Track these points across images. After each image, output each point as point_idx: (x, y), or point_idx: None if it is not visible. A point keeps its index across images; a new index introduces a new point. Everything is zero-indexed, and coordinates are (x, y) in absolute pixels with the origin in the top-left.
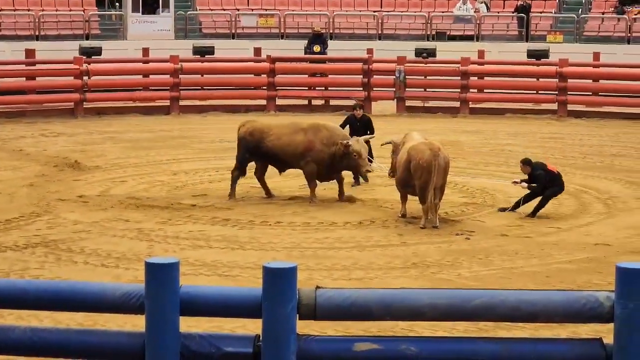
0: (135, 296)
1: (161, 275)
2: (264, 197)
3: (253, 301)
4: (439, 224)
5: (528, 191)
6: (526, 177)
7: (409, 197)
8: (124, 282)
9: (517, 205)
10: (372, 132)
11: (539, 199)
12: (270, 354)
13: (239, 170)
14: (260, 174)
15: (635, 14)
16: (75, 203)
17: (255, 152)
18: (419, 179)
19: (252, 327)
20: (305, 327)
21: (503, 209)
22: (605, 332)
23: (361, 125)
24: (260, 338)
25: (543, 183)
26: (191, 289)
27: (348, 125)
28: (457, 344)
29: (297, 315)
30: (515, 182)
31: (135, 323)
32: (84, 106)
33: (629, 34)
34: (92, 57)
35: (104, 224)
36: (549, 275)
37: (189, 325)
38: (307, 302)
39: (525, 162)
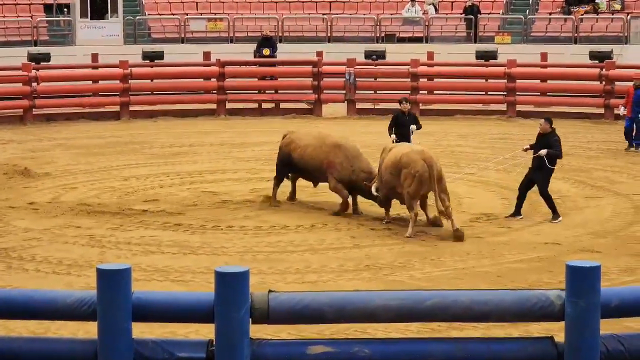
0: (87, 303)
1: (113, 282)
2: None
3: (205, 306)
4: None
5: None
6: (532, 142)
7: (361, 199)
8: (76, 289)
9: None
10: (418, 127)
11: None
12: (224, 358)
13: (278, 179)
14: (293, 177)
15: (582, 14)
16: (26, 210)
17: (288, 164)
18: (409, 186)
19: (205, 332)
20: (258, 331)
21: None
22: (557, 330)
23: (409, 120)
24: (214, 343)
25: (560, 148)
26: (143, 294)
27: (395, 125)
28: (410, 345)
29: (250, 319)
30: (526, 149)
31: (88, 330)
32: (33, 113)
33: (575, 34)
34: (41, 63)
35: (55, 231)
36: (501, 275)
37: (141, 331)
38: (260, 306)
39: (548, 120)
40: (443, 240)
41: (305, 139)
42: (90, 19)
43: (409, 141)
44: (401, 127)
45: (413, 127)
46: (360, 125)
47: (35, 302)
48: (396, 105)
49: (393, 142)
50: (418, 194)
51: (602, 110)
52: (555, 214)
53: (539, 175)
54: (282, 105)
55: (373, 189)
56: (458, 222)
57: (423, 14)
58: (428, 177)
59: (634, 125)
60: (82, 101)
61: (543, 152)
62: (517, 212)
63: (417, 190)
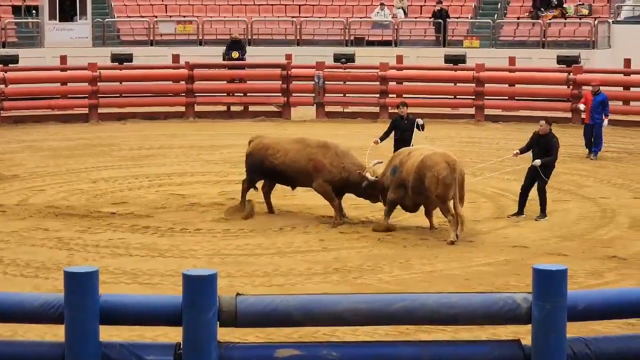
0: (55, 306)
1: (80, 284)
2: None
3: (173, 309)
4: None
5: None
6: (521, 146)
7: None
8: (43, 291)
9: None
10: (421, 129)
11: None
12: None
13: (248, 185)
14: (267, 190)
15: (550, 19)
16: None
17: (263, 170)
18: (435, 190)
19: (173, 334)
20: (226, 335)
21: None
22: (524, 333)
23: (408, 124)
24: (181, 346)
25: (556, 152)
26: (111, 297)
27: (394, 130)
28: (378, 348)
29: (218, 322)
30: (515, 154)
31: (55, 333)
32: (1, 115)
33: (543, 39)
34: (9, 65)
35: (23, 234)
36: (468, 278)
37: (110, 334)
38: (228, 309)
39: (549, 121)
40: (411, 243)
41: (283, 143)
42: (59, 21)
43: (409, 145)
44: (401, 131)
45: (419, 120)
46: (329, 128)
47: (2, 305)
48: (365, 109)
49: (374, 144)
50: (446, 196)
51: (569, 115)
52: (543, 213)
53: (541, 172)
54: (251, 108)
55: (368, 175)
56: (427, 223)
57: (392, 17)
58: (452, 180)
59: (592, 132)
60: (50, 103)
61: (537, 162)
62: (520, 211)
63: (445, 193)
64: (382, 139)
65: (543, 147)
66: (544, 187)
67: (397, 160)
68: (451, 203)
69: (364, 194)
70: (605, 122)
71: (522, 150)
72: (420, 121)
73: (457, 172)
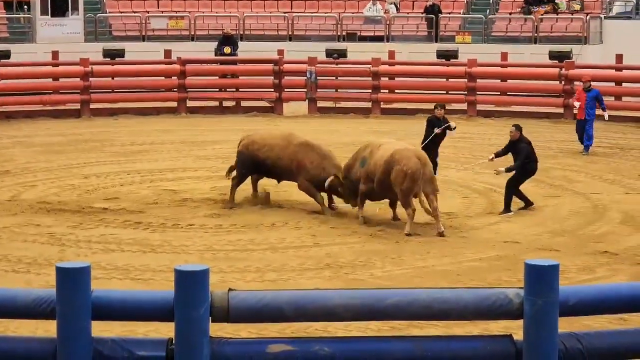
0: (47, 301)
1: (72, 280)
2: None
3: (165, 304)
4: (443, 228)
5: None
6: (499, 150)
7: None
8: (35, 287)
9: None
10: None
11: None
12: (183, 357)
13: (238, 182)
14: (256, 178)
15: (542, 14)
16: None
17: (252, 166)
18: (401, 184)
19: (165, 330)
20: (219, 330)
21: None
22: (516, 329)
23: (444, 125)
24: (173, 341)
25: (521, 159)
26: (103, 293)
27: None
28: (371, 344)
29: (210, 317)
30: (491, 159)
31: (47, 329)
32: None
33: (535, 34)
34: (1, 60)
35: (15, 229)
36: (460, 274)
37: (101, 330)
38: (220, 305)
39: (518, 127)
40: (403, 238)
41: (270, 139)
42: (51, 16)
43: (438, 146)
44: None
45: (452, 123)
46: (321, 123)
47: None
48: (357, 104)
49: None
50: (412, 191)
51: (561, 110)
52: (506, 209)
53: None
54: (243, 104)
55: (326, 184)
56: (420, 220)
57: (384, 12)
58: (420, 176)
59: (585, 127)
60: (42, 99)
61: (501, 169)
62: (527, 203)
63: (411, 187)
64: (427, 137)
65: (515, 153)
66: (510, 186)
67: (367, 151)
68: (422, 198)
69: (342, 197)
70: (606, 115)
71: (498, 154)
72: (452, 124)
73: (427, 167)
